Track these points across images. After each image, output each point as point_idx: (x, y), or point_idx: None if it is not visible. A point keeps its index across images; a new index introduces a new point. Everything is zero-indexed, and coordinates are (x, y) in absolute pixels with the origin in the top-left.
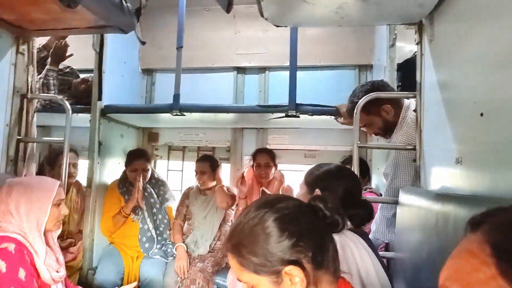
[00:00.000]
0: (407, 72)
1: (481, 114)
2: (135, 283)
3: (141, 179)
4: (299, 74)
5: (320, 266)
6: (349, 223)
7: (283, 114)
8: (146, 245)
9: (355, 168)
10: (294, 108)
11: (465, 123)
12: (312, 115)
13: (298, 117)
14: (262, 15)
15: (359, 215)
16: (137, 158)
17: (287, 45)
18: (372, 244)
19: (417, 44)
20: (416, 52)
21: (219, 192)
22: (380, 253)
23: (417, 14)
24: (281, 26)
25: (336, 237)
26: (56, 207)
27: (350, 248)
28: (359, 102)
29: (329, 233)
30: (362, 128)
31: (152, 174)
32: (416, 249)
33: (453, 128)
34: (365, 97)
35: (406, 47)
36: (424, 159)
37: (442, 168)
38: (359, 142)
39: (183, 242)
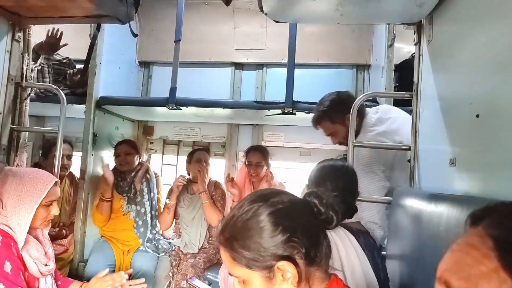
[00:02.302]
0: (405, 73)
1: (477, 116)
2: (130, 270)
3: (107, 165)
4: (297, 71)
5: (312, 262)
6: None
7: (280, 111)
8: (142, 229)
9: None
10: (290, 105)
11: (460, 124)
12: (308, 113)
13: (295, 114)
14: (261, 10)
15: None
16: (120, 143)
17: (285, 42)
18: (370, 241)
19: (415, 44)
20: (414, 53)
21: (207, 209)
22: None
23: (416, 14)
24: (280, 22)
25: None
26: (45, 207)
27: (337, 246)
28: (355, 102)
29: (323, 229)
30: (327, 136)
31: (148, 170)
32: (409, 248)
33: (448, 129)
34: (361, 96)
35: (405, 48)
36: (419, 160)
37: (436, 168)
38: (354, 141)
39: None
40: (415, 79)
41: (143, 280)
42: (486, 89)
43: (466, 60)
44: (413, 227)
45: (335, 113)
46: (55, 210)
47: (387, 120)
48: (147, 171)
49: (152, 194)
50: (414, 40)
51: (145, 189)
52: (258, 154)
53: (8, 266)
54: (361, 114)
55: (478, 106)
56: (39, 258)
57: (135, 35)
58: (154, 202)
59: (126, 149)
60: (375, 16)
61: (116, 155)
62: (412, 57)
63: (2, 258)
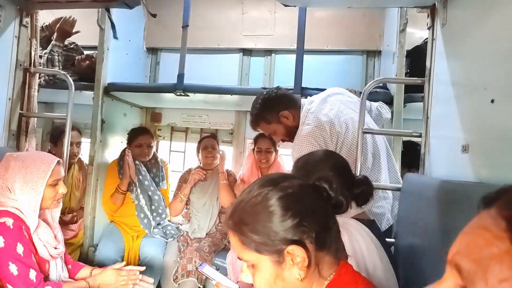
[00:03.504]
0: (417, 59)
1: (492, 101)
2: (143, 268)
3: (130, 155)
4: (306, 57)
5: (322, 247)
6: (354, 205)
7: None
8: (145, 220)
9: (359, 154)
10: (299, 91)
11: (474, 110)
12: None
13: None
14: None
15: (364, 192)
16: (142, 134)
17: (294, 27)
18: (379, 232)
19: (428, 28)
20: (427, 38)
21: (223, 190)
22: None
23: None
24: (289, 6)
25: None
26: (52, 187)
27: (357, 239)
28: (365, 88)
29: (333, 214)
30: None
31: (154, 154)
32: (418, 235)
33: (461, 115)
34: (371, 82)
35: (417, 34)
36: (430, 146)
37: (448, 155)
38: (364, 128)
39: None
40: (427, 64)
41: (152, 280)
42: (502, 74)
43: (481, 44)
44: (424, 214)
45: (268, 113)
46: (62, 189)
47: (322, 110)
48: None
49: (151, 188)
50: (427, 24)
51: (138, 184)
52: (268, 141)
53: (20, 248)
54: (296, 107)
55: (493, 91)
56: (48, 241)
57: (154, 16)
58: (155, 196)
59: (149, 141)
60: None
61: (138, 146)
62: (425, 43)
63: (14, 240)
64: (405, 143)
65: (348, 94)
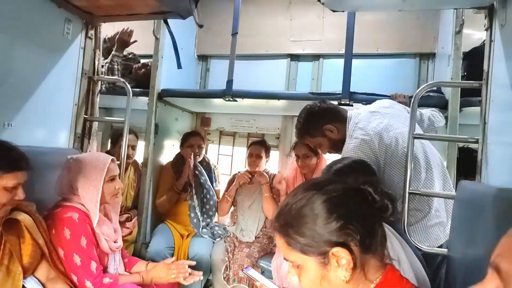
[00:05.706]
0: (474, 62)
1: None
2: (193, 262)
3: (192, 157)
4: (355, 62)
5: (367, 250)
6: None
7: (336, 103)
8: (195, 220)
9: (409, 160)
10: (347, 96)
11: None
12: (366, 104)
13: (352, 105)
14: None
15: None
16: (193, 135)
17: (342, 32)
18: (403, 235)
19: (486, 29)
20: (485, 39)
21: (265, 202)
22: (428, 249)
23: None
24: (338, 11)
25: None
26: (110, 182)
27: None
28: (416, 93)
29: (378, 218)
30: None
31: (204, 158)
32: (473, 246)
33: None
34: (423, 86)
35: (475, 35)
36: (487, 153)
37: (506, 162)
38: (415, 132)
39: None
40: (485, 66)
41: (200, 273)
42: None
43: None
44: (479, 223)
45: (311, 127)
46: (119, 184)
47: (370, 124)
48: (210, 167)
49: (204, 190)
50: (485, 25)
51: (194, 184)
52: (304, 146)
53: (84, 241)
54: (341, 120)
55: None
56: (109, 235)
57: (200, 26)
58: (208, 196)
59: (200, 142)
60: (440, 1)
61: (190, 146)
62: (483, 44)
63: (79, 233)
64: (462, 150)
65: (398, 107)
